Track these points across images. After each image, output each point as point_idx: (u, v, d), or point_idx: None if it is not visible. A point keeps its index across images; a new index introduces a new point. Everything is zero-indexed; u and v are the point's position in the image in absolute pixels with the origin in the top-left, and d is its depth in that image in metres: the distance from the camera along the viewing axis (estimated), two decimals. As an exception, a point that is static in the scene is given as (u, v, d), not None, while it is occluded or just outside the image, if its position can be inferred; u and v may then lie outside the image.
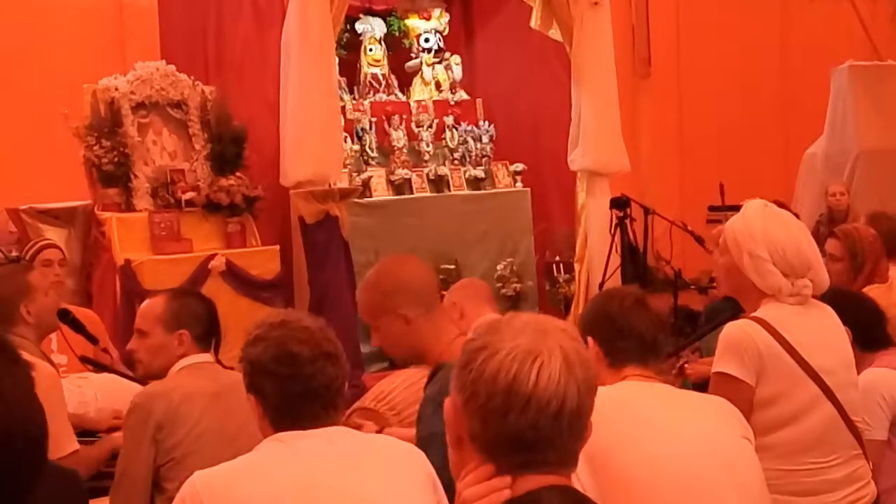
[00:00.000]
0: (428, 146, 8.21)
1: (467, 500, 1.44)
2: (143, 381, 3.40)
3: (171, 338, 3.18)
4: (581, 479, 1.92)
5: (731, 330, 2.93)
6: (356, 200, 7.36)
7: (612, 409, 2.19)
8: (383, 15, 8.55)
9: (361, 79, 8.33)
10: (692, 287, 8.34)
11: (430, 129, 8.26)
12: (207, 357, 3.22)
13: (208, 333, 3.23)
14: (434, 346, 2.69)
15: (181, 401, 3.00)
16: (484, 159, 8.38)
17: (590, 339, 2.45)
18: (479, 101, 8.75)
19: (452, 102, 8.59)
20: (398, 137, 8.04)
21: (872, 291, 3.98)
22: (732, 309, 3.40)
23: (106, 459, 3.38)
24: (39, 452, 1.25)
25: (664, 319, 2.55)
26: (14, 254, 4.62)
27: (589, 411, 1.47)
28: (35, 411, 1.25)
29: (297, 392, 2.21)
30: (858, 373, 3.13)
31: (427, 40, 8.58)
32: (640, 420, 2.24)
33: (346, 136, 7.67)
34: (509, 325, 1.47)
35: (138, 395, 3.11)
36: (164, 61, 6.48)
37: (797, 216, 3.31)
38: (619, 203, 7.20)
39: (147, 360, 3.26)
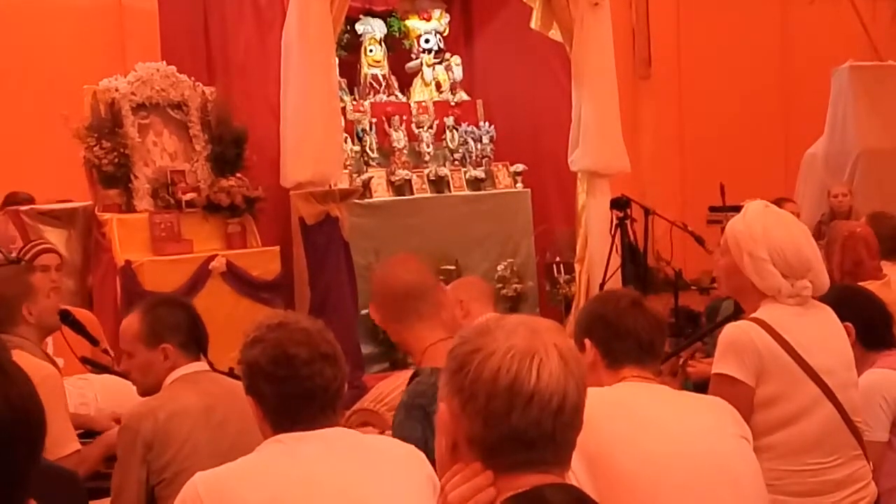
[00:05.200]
0: (428, 147, 8.21)
1: (452, 502, 1.44)
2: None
3: (156, 353, 3.06)
4: (579, 478, 1.93)
5: (731, 331, 2.93)
6: (356, 201, 7.36)
7: (609, 410, 2.20)
8: (383, 16, 8.55)
9: (362, 79, 8.33)
10: (693, 287, 8.36)
11: (430, 130, 8.26)
12: (199, 366, 3.10)
13: (192, 339, 3.10)
14: (413, 350, 2.74)
15: (169, 418, 2.91)
16: (484, 160, 8.39)
17: (587, 341, 2.46)
18: (479, 101, 8.75)
19: (453, 103, 8.59)
20: (398, 138, 8.04)
21: (867, 287, 3.97)
22: (734, 307, 3.40)
23: (103, 458, 3.34)
24: (40, 435, 1.27)
25: (660, 320, 2.55)
26: (14, 255, 4.61)
27: (584, 405, 1.48)
28: (35, 396, 1.27)
29: (295, 393, 2.21)
30: (860, 372, 3.13)
31: (427, 41, 8.58)
32: (637, 420, 2.24)
33: (346, 137, 7.67)
34: (500, 326, 1.48)
35: (126, 416, 3.03)
36: (164, 62, 6.47)
37: (797, 215, 3.32)
38: (619, 203, 7.20)
39: (140, 380, 3.16)
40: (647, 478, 2.16)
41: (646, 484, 2.15)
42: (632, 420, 2.24)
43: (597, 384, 2.36)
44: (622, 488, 2.11)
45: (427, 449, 2.14)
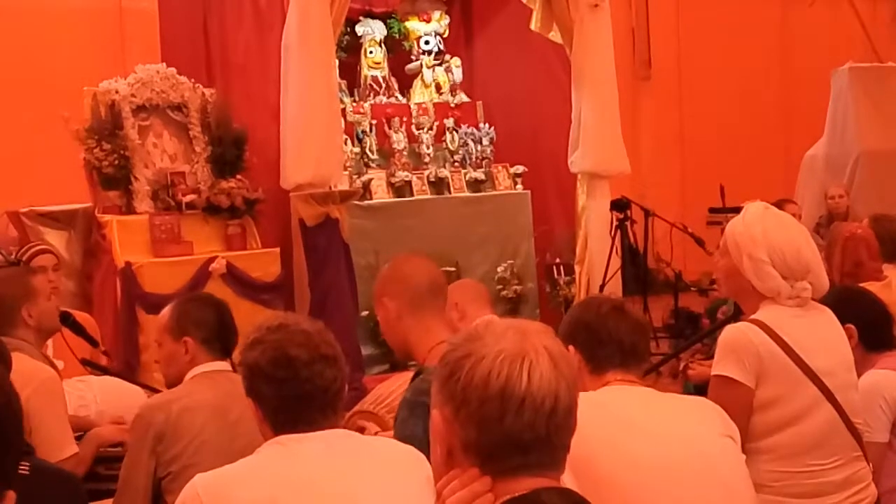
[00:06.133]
0: (428, 148, 8.22)
1: None
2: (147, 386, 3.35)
3: (178, 345, 3.11)
4: (564, 482, 1.93)
5: (731, 332, 2.93)
6: (356, 203, 7.36)
7: (593, 413, 2.19)
8: (383, 17, 8.56)
9: (362, 81, 8.34)
10: (693, 289, 8.36)
11: (430, 132, 8.27)
12: (221, 365, 3.11)
13: (217, 338, 3.12)
14: (419, 347, 2.73)
15: (181, 412, 2.94)
16: (484, 161, 8.39)
17: (570, 347, 2.45)
18: (479, 103, 8.75)
19: (452, 105, 8.59)
20: (398, 140, 8.04)
21: (868, 288, 3.97)
22: (734, 309, 3.40)
23: (93, 456, 3.36)
24: (13, 428, 1.26)
25: (643, 323, 2.56)
26: (14, 256, 4.61)
27: (577, 406, 1.48)
28: (9, 391, 1.27)
29: (295, 395, 2.21)
30: (860, 373, 3.12)
31: (427, 42, 8.57)
32: (622, 423, 2.24)
33: (346, 139, 7.67)
34: (489, 330, 1.48)
35: (141, 407, 3.07)
36: (164, 64, 6.48)
37: (798, 217, 3.32)
38: (619, 205, 7.22)
39: (164, 371, 3.21)
40: (631, 481, 2.15)
41: (631, 487, 2.15)
42: (615, 423, 2.24)
43: (581, 390, 2.36)
44: (608, 492, 2.10)
45: (428, 447, 2.14)
